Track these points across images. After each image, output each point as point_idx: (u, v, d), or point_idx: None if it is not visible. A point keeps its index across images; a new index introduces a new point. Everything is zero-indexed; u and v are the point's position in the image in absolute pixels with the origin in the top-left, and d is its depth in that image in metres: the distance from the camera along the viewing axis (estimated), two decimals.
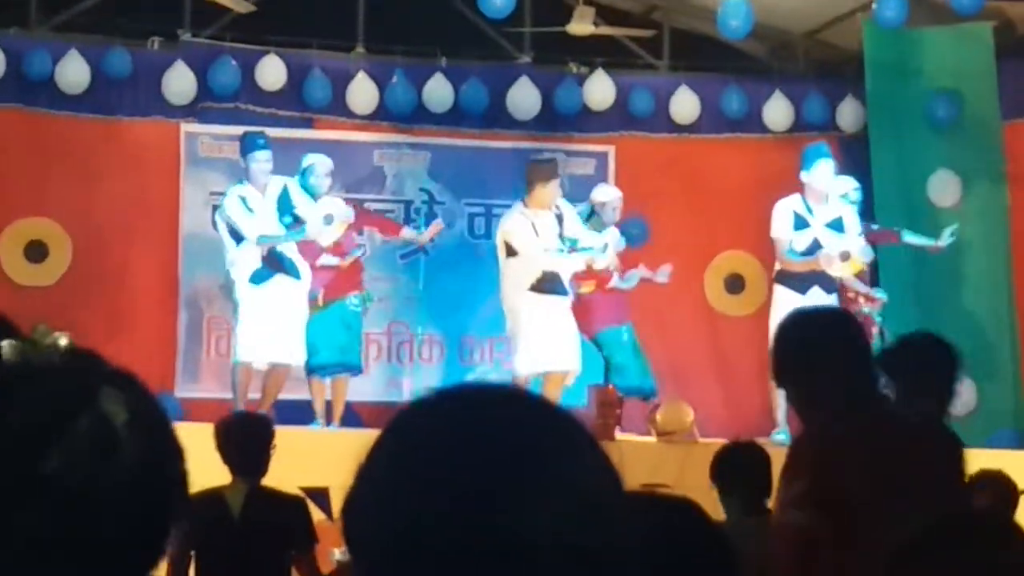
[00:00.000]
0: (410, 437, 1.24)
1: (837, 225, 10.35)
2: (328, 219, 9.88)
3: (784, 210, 10.32)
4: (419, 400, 1.27)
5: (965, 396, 11.38)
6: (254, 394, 9.90)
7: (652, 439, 9.56)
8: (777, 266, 10.41)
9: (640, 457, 8.52)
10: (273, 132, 10.80)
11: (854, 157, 12.21)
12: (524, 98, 12.32)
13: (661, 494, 2.32)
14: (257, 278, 9.80)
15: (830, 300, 10.12)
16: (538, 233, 10.07)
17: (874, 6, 11.18)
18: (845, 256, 10.12)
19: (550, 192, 10.19)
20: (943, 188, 11.69)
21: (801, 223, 10.24)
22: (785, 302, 10.23)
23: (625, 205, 11.12)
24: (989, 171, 11.70)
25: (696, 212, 12.25)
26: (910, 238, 10.67)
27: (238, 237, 9.83)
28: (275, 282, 9.78)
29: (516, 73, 12.41)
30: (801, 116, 12.71)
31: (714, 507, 5.23)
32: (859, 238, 10.25)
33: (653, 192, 12.30)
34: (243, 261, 9.83)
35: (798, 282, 10.19)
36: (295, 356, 9.90)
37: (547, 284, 10.03)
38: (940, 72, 11.85)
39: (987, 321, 11.49)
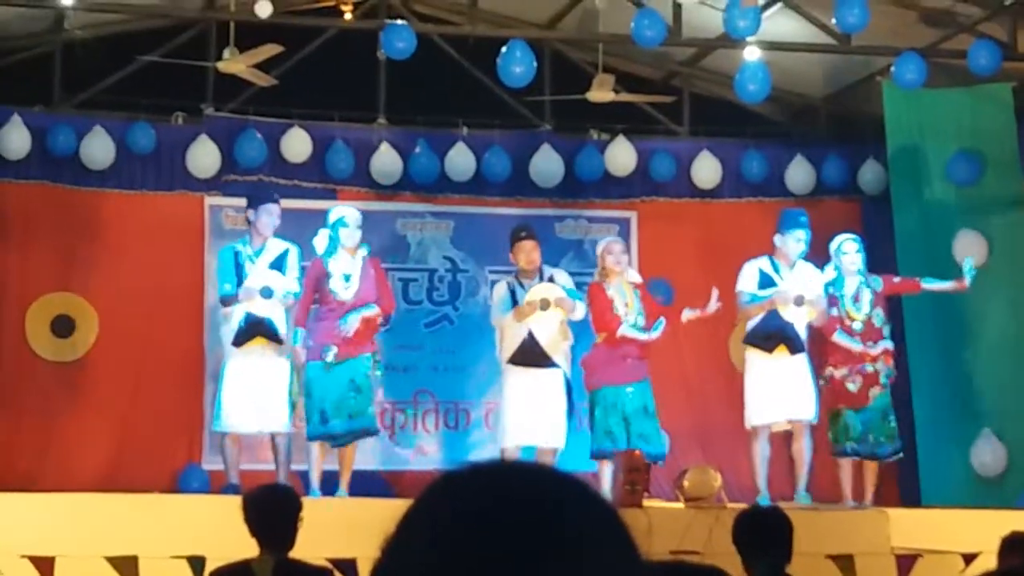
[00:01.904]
0: (439, 510, 1.24)
1: None
2: (267, 292, 9.60)
3: (751, 268, 10.43)
4: (448, 473, 1.27)
5: (996, 457, 11.32)
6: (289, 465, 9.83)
7: (680, 505, 9.51)
8: (746, 327, 10.41)
9: (669, 523, 8.47)
10: (297, 203, 10.85)
11: (877, 219, 12.23)
12: (546, 165, 12.38)
13: (690, 563, 2.32)
14: (238, 339, 9.65)
15: (796, 360, 10.14)
16: (516, 300, 10.01)
17: (893, 69, 11.21)
18: (800, 301, 10.13)
19: (520, 256, 10.13)
20: (968, 248, 11.65)
21: (767, 282, 10.31)
22: (755, 363, 10.32)
23: (648, 269, 11.13)
24: (1013, 230, 11.68)
25: (719, 275, 12.21)
26: (930, 284, 10.57)
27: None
28: (255, 346, 9.62)
29: (537, 141, 12.48)
30: (822, 179, 12.74)
31: (743, 573, 5.20)
32: (819, 293, 10.23)
33: (675, 256, 12.33)
34: (231, 320, 9.72)
35: (763, 341, 10.22)
36: (279, 423, 9.65)
37: (526, 356, 9.93)
38: (961, 133, 11.86)
39: (1016, 381, 11.42)
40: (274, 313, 9.67)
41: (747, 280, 10.36)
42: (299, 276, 9.80)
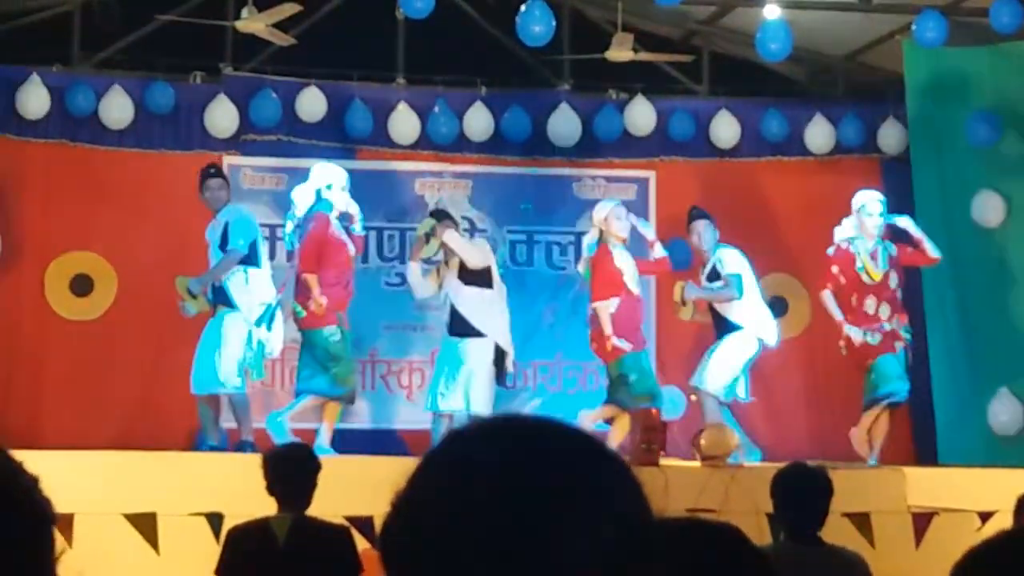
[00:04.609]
0: (449, 466, 1.25)
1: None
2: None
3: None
4: (458, 430, 1.28)
5: (1013, 416, 11.32)
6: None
7: (697, 463, 9.53)
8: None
9: (685, 482, 8.50)
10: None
11: (896, 178, 12.18)
12: (564, 125, 12.34)
13: (706, 520, 2.32)
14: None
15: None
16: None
17: (913, 27, 11.15)
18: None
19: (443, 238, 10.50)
20: (986, 208, 11.61)
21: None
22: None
23: (666, 229, 11.16)
24: None
25: (738, 235, 12.20)
26: (932, 248, 10.64)
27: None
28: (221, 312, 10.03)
29: (556, 100, 12.44)
30: (842, 138, 12.69)
31: (759, 532, 5.20)
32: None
33: None
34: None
35: None
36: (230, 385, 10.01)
37: (454, 327, 10.48)
38: (981, 91, 11.79)
39: None
40: (233, 281, 10.06)
41: None
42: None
